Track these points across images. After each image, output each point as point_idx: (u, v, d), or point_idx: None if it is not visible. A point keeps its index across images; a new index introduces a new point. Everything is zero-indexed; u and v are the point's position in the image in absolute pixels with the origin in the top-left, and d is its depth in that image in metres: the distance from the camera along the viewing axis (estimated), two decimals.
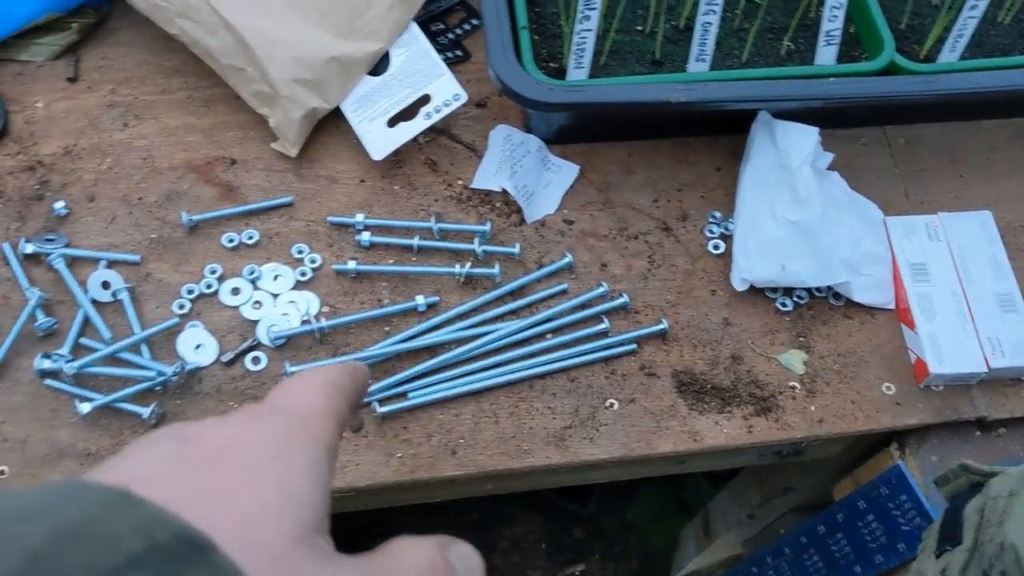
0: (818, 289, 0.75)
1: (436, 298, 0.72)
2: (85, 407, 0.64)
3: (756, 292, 0.74)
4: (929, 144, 0.84)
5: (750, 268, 0.72)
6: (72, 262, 0.71)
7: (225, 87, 0.78)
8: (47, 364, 0.66)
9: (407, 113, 0.76)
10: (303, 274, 0.72)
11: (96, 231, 0.73)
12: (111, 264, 0.71)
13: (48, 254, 0.70)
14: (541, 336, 0.71)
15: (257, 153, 0.77)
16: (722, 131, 0.81)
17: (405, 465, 0.66)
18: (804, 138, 0.74)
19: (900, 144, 0.83)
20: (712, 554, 1.33)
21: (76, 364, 0.65)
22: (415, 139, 0.77)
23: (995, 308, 0.73)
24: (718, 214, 0.78)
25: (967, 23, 0.74)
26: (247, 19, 0.73)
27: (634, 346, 0.71)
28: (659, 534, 1.57)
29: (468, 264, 0.72)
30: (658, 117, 0.79)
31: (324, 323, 0.69)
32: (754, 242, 0.73)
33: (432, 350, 0.70)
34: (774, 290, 0.74)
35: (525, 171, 0.76)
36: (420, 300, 0.71)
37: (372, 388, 0.67)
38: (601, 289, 0.72)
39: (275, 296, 0.71)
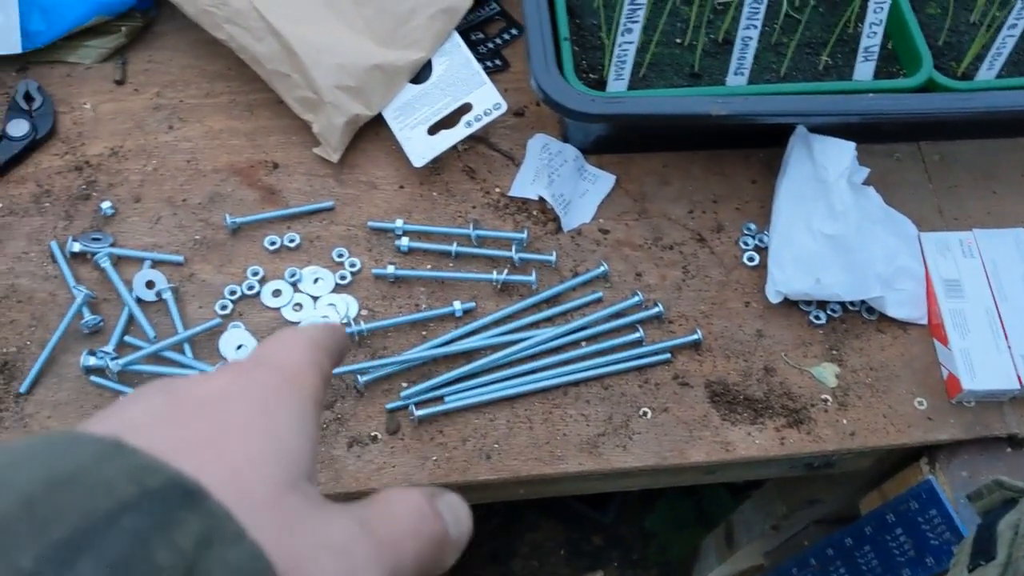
0: (852, 303, 0.75)
1: (473, 304, 0.73)
2: None
3: (790, 304, 0.75)
4: (963, 160, 0.84)
5: (785, 280, 0.73)
6: (118, 261, 0.72)
7: (268, 92, 0.80)
8: (92, 361, 0.67)
9: (447, 121, 0.77)
10: (343, 277, 0.73)
11: (141, 231, 0.74)
12: (155, 264, 0.72)
13: (94, 253, 0.71)
14: (575, 344, 0.72)
15: (299, 158, 0.79)
16: (758, 144, 0.82)
17: (440, 468, 0.67)
18: (841, 153, 0.74)
19: (934, 160, 0.84)
20: (733, 564, 1.33)
21: (121, 361, 0.66)
22: (454, 147, 0.78)
23: None
24: (753, 226, 0.78)
25: (1006, 41, 0.75)
26: (294, 26, 0.75)
27: (668, 355, 0.72)
28: (678, 543, 1.57)
29: (505, 271, 0.73)
30: (695, 129, 0.79)
31: (363, 326, 0.70)
32: (789, 255, 0.73)
33: (468, 355, 0.70)
34: (808, 303, 0.75)
35: (562, 180, 0.77)
36: (457, 305, 0.72)
37: (409, 391, 0.68)
38: (636, 298, 0.73)
39: (315, 299, 0.72)
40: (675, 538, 1.57)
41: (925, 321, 0.75)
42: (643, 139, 0.81)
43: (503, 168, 0.80)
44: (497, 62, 0.85)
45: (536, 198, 0.77)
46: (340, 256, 0.74)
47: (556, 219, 0.77)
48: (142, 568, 0.19)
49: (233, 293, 0.72)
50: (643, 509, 1.62)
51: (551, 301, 0.74)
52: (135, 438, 0.22)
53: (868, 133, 0.80)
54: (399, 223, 0.75)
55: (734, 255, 0.77)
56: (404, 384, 0.69)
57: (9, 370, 0.68)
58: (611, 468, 0.68)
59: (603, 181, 0.79)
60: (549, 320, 0.73)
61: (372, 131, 0.80)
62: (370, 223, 0.75)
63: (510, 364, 0.70)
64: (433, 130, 0.77)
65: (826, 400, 0.71)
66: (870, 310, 0.75)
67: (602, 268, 0.74)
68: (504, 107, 0.76)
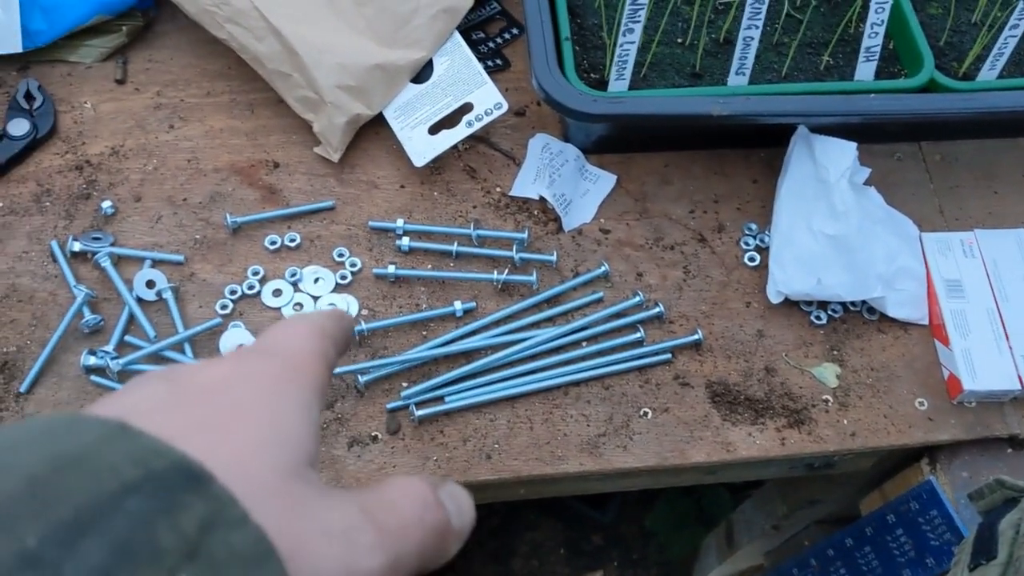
0: (852, 303, 0.75)
1: (473, 304, 0.73)
2: None
3: (790, 305, 0.75)
4: (964, 161, 0.84)
5: (786, 281, 0.73)
6: (118, 261, 0.72)
7: (268, 91, 0.80)
8: (93, 360, 0.67)
9: (448, 121, 0.77)
10: (343, 277, 0.73)
11: (142, 231, 0.74)
12: (156, 263, 0.72)
13: (95, 252, 0.71)
14: (576, 344, 0.72)
15: (299, 157, 0.79)
16: (759, 144, 0.82)
17: (440, 468, 0.67)
18: (843, 153, 0.74)
19: (935, 160, 0.84)
20: (734, 564, 1.33)
21: (121, 361, 0.66)
22: (454, 146, 0.78)
23: None
24: (754, 226, 0.78)
25: (1008, 41, 0.74)
26: (295, 26, 0.74)
27: (668, 356, 0.72)
28: (678, 543, 1.57)
29: (505, 271, 0.73)
30: (696, 129, 0.79)
31: (363, 326, 0.70)
32: (790, 255, 0.73)
33: (468, 355, 0.70)
34: (808, 303, 0.75)
35: (563, 180, 0.77)
36: (458, 305, 0.72)
37: (410, 391, 0.68)
38: (636, 299, 0.73)
39: (316, 298, 0.72)
40: (675, 538, 1.57)
41: (926, 321, 0.75)
42: (644, 139, 0.81)
43: (504, 168, 0.80)
44: (498, 62, 0.85)
45: (537, 198, 0.77)
46: (341, 256, 0.74)
47: (557, 219, 0.77)
48: (146, 550, 0.19)
49: (233, 293, 0.72)
50: (643, 509, 1.62)
51: (552, 301, 0.74)
52: (139, 422, 0.22)
53: (869, 133, 0.80)
54: (400, 223, 0.75)
55: (735, 255, 0.77)
56: (404, 384, 0.69)
57: (9, 369, 0.68)
58: (612, 468, 0.68)
59: (604, 181, 0.79)
60: (550, 320, 0.73)
61: (373, 131, 0.79)
62: (371, 223, 0.75)
63: (510, 364, 0.70)
64: (434, 130, 0.77)
65: (827, 400, 0.71)
66: (871, 310, 0.75)
67: (603, 268, 0.74)
68: (505, 107, 0.76)
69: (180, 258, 0.73)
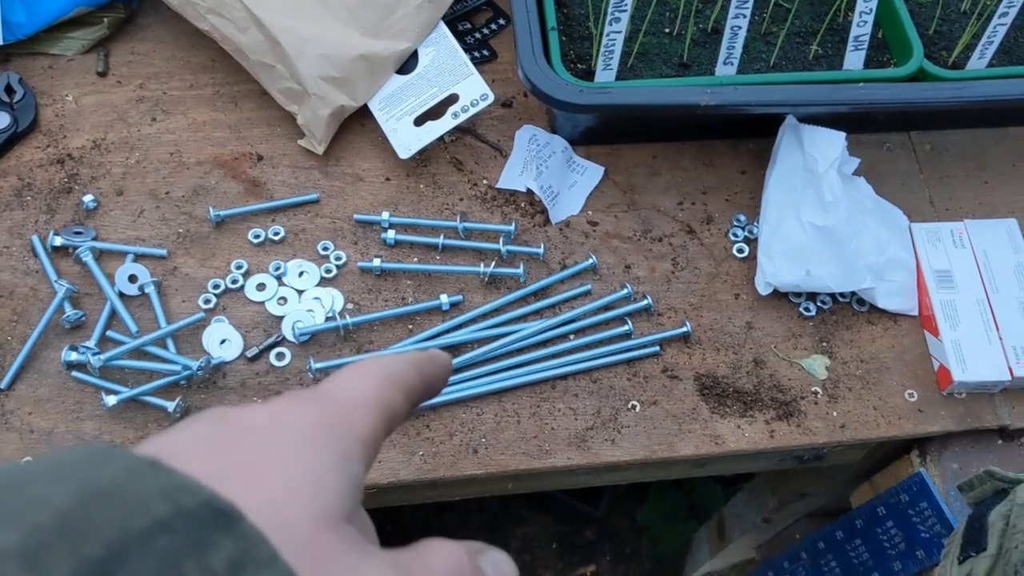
0: (842, 294, 0.75)
1: (460, 297, 0.72)
2: (111, 399, 0.64)
3: (780, 296, 0.74)
4: (954, 150, 0.84)
5: (775, 272, 0.72)
6: (100, 255, 0.71)
7: (252, 83, 0.79)
8: (74, 356, 0.66)
9: (434, 112, 0.76)
10: (328, 271, 0.72)
11: (124, 225, 0.73)
12: (138, 258, 0.72)
13: (76, 247, 0.70)
14: (564, 337, 0.71)
15: (284, 150, 0.78)
16: (747, 134, 0.81)
17: (427, 463, 0.66)
18: (831, 143, 0.74)
19: (925, 150, 0.83)
20: (725, 557, 1.32)
21: (103, 357, 0.65)
22: (440, 138, 0.77)
23: (1019, 316, 0.72)
24: (743, 217, 0.78)
25: (997, 30, 0.74)
26: (278, 17, 0.74)
27: (657, 348, 0.71)
28: (670, 537, 1.57)
29: (492, 264, 0.72)
30: (684, 119, 0.79)
31: (348, 320, 0.69)
32: (779, 246, 0.73)
33: (455, 349, 0.70)
34: (798, 295, 0.74)
35: (550, 172, 0.77)
36: (444, 299, 0.71)
37: None
38: (624, 291, 0.73)
39: (300, 292, 0.71)
40: (667, 531, 1.56)
41: (916, 312, 0.75)
42: (632, 130, 0.80)
43: (491, 160, 0.79)
44: (484, 52, 0.84)
45: (524, 190, 0.77)
46: (325, 249, 0.73)
47: (544, 211, 0.76)
48: None
49: (217, 287, 0.71)
50: (635, 503, 1.62)
51: (539, 294, 0.73)
52: (175, 460, 0.22)
53: (858, 123, 0.80)
54: (385, 216, 0.74)
55: (724, 247, 0.77)
56: None
57: None
58: (600, 462, 0.67)
59: (592, 172, 0.79)
60: (537, 313, 0.72)
61: (357, 122, 0.79)
62: (356, 216, 0.75)
63: (497, 358, 0.70)
64: (419, 121, 0.76)
65: (816, 392, 0.71)
66: (860, 301, 0.75)
67: (591, 260, 0.74)
68: (491, 98, 0.76)
69: (163, 252, 0.72)
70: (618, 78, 0.74)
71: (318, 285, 0.72)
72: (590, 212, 0.77)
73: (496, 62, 0.84)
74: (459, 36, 0.82)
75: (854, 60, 0.76)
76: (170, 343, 0.68)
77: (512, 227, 0.74)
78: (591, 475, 0.74)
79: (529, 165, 0.77)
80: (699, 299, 0.74)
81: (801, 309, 0.74)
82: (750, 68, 0.77)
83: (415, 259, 0.74)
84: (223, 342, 0.69)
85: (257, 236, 0.73)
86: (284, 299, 0.71)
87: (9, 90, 0.77)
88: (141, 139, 0.77)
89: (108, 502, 0.19)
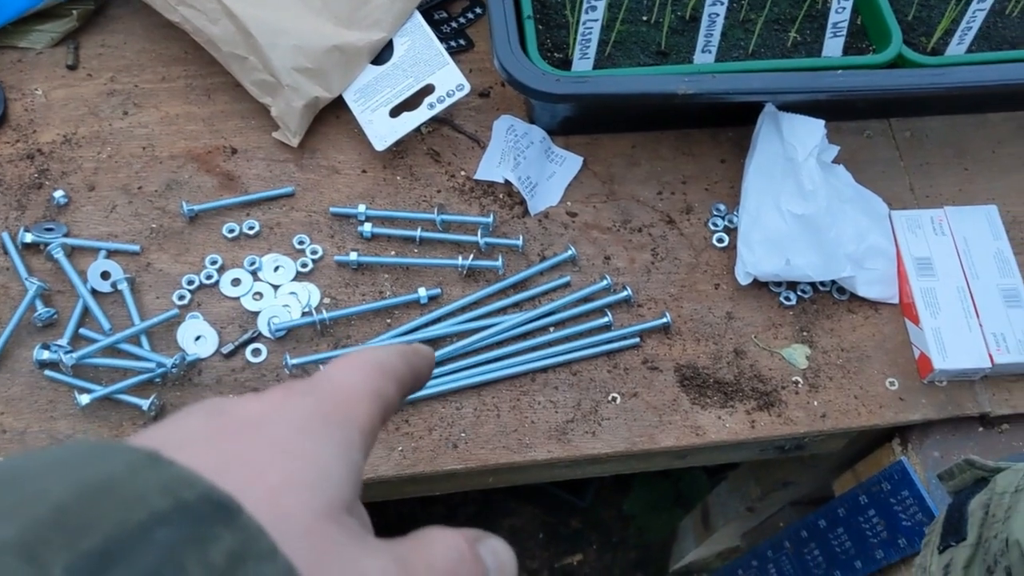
0: (822, 283, 0.74)
1: (438, 290, 0.71)
2: (84, 398, 0.63)
3: (760, 286, 0.74)
4: (934, 137, 0.83)
5: (754, 262, 0.72)
6: (72, 252, 0.70)
7: (225, 75, 0.78)
8: (46, 355, 0.65)
9: (410, 103, 0.75)
10: (304, 265, 0.71)
11: (96, 220, 0.72)
12: (111, 254, 0.70)
13: (47, 244, 0.69)
14: (543, 329, 0.71)
15: (258, 142, 0.77)
16: (726, 123, 0.81)
17: (406, 459, 0.65)
18: (811, 131, 0.73)
19: (905, 137, 0.83)
20: (710, 546, 1.33)
21: (75, 355, 0.64)
22: (417, 129, 0.76)
23: (1000, 303, 0.72)
24: (722, 207, 0.77)
25: (976, 16, 0.74)
26: (249, 7, 0.72)
27: (637, 340, 0.71)
28: (656, 525, 1.57)
29: (471, 256, 0.72)
30: (662, 108, 0.78)
31: (325, 315, 0.68)
32: (758, 236, 0.72)
33: (434, 343, 0.69)
34: (778, 284, 0.74)
35: (528, 162, 0.76)
36: (422, 292, 0.70)
37: None
38: (604, 282, 0.72)
39: (276, 287, 0.70)
40: (653, 520, 1.57)
41: (896, 300, 0.74)
42: (610, 119, 0.79)
43: (468, 151, 0.78)
44: (461, 42, 0.83)
45: (502, 181, 0.76)
46: (301, 243, 0.72)
47: (523, 202, 0.76)
48: None
49: (191, 283, 0.70)
50: (621, 492, 1.62)
51: (518, 286, 0.72)
52: (173, 453, 0.22)
53: (838, 110, 0.79)
54: (362, 208, 0.73)
55: (703, 237, 0.76)
56: None
57: None
58: (580, 455, 0.67)
59: (570, 163, 0.78)
60: (516, 306, 0.72)
61: (332, 114, 0.78)
62: (332, 209, 0.74)
63: (477, 351, 0.69)
64: (395, 112, 0.75)
65: (797, 382, 0.71)
66: (841, 290, 0.74)
67: (570, 252, 0.73)
68: (467, 88, 0.75)
69: (136, 248, 0.71)
70: (596, 67, 0.73)
71: (294, 280, 0.71)
72: (569, 203, 0.77)
73: (473, 51, 0.83)
74: (435, 25, 0.81)
75: (833, 47, 0.76)
76: (144, 340, 0.67)
77: (490, 219, 0.73)
78: (572, 468, 0.74)
79: (507, 156, 0.76)
80: (679, 290, 0.74)
81: (781, 298, 0.74)
82: (729, 56, 0.76)
83: (392, 252, 0.73)
84: (198, 339, 0.68)
85: (232, 230, 0.72)
86: (260, 294, 0.70)
87: None
88: (112, 133, 0.76)
89: (106, 496, 0.19)
